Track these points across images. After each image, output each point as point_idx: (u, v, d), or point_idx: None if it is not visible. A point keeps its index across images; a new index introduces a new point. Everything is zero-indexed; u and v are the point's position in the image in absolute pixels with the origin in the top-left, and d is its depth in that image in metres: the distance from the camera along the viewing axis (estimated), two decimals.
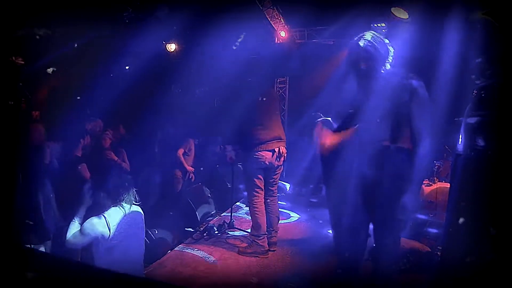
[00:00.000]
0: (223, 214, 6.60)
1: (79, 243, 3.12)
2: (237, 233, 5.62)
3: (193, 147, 7.74)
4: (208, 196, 6.72)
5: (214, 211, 6.61)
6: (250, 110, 4.69)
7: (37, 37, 5.81)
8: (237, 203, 7.42)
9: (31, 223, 3.84)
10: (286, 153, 4.78)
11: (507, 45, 1.57)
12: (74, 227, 3.12)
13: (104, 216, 3.07)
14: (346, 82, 2.92)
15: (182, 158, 7.44)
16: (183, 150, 7.49)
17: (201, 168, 7.94)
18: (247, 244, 4.93)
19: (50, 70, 7.60)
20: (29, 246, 3.58)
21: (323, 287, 3.92)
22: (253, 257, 4.66)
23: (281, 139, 4.73)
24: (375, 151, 2.54)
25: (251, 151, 4.62)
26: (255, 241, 4.72)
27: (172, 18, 7.90)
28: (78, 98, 7.88)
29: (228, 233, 5.57)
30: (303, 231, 5.94)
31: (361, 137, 2.60)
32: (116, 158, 6.10)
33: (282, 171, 5.14)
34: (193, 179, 7.52)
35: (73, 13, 6.31)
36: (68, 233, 3.12)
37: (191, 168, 7.56)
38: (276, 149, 4.64)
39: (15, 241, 2.58)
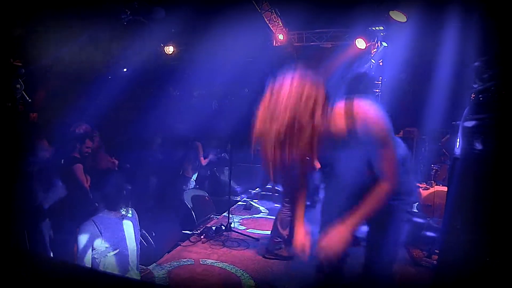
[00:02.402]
0: (220, 216, 6.59)
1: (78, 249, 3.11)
2: (234, 235, 5.60)
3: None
4: (206, 198, 6.71)
5: (212, 214, 6.60)
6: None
7: (36, 39, 5.80)
8: (238, 203, 7.48)
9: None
10: None
11: (506, 47, 1.57)
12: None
13: (93, 220, 3.06)
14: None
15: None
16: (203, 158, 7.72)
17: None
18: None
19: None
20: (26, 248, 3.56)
21: None
22: (249, 260, 4.66)
23: None
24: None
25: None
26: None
27: (170, 21, 7.91)
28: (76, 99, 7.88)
29: (226, 236, 5.55)
30: None
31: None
32: (116, 162, 6.04)
33: None
34: None
35: (71, 15, 6.31)
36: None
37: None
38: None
39: (13, 244, 2.57)
